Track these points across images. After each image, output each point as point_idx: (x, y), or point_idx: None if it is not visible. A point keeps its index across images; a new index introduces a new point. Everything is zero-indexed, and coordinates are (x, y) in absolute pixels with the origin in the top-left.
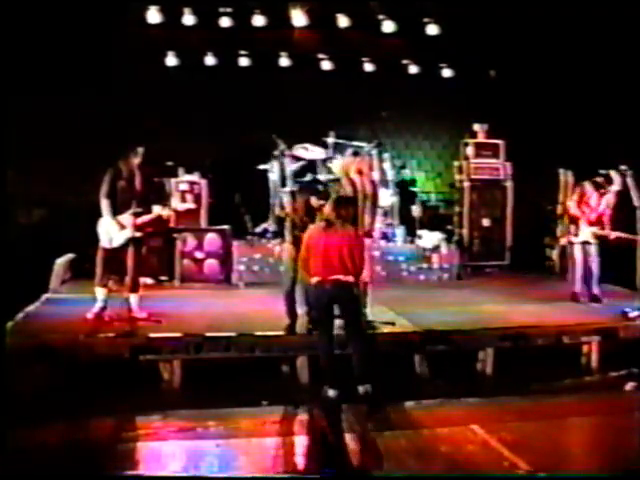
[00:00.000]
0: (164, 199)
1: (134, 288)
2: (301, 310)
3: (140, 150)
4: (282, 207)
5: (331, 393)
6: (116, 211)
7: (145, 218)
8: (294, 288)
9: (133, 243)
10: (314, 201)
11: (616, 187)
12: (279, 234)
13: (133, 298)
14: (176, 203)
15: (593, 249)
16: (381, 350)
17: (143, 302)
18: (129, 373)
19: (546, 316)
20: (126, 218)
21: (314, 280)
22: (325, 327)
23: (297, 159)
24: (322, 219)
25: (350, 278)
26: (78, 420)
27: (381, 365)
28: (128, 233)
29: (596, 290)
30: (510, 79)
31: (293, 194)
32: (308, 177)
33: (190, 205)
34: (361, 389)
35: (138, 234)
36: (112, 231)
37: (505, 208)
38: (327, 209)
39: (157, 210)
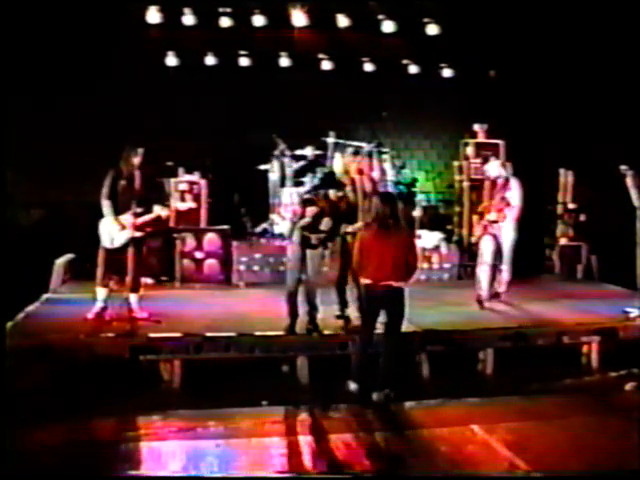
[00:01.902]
0: (164, 199)
1: (135, 288)
2: (302, 310)
3: (140, 150)
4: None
5: (353, 387)
6: (117, 211)
7: (145, 218)
8: (298, 288)
9: (134, 243)
10: (332, 194)
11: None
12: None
13: (133, 298)
14: (177, 202)
15: None
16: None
17: (143, 302)
18: (129, 373)
19: (546, 316)
20: (127, 218)
21: (365, 282)
22: (368, 328)
23: (297, 159)
24: (374, 220)
25: (401, 283)
26: (78, 420)
27: (405, 368)
28: (129, 233)
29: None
30: (510, 79)
31: (311, 192)
32: (319, 171)
33: (191, 204)
34: (375, 396)
35: (138, 234)
36: (113, 231)
37: None
38: (376, 209)
39: (157, 210)
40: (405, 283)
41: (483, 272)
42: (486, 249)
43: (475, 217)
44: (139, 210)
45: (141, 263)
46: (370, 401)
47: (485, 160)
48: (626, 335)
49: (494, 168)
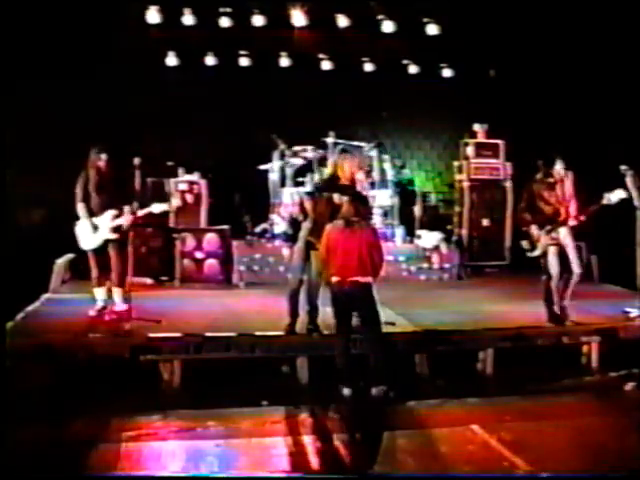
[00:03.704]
0: (135, 197)
1: (119, 283)
2: (303, 311)
3: (104, 156)
4: (302, 209)
5: (346, 392)
6: (92, 213)
7: (121, 220)
8: (300, 289)
9: (112, 243)
10: (337, 198)
11: None
12: (293, 237)
13: (116, 292)
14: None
15: None
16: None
17: (143, 302)
18: (129, 373)
19: (546, 316)
20: (101, 220)
21: (333, 280)
22: (343, 326)
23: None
24: (340, 218)
25: (368, 279)
26: (78, 420)
27: (397, 365)
28: (103, 235)
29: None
30: (510, 79)
31: (313, 194)
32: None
33: (164, 207)
34: (374, 391)
35: (114, 236)
36: (87, 234)
37: (505, 208)
38: (344, 207)
39: (126, 211)
40: (372, 279)
41: (555, 287)
42: (557, 261)
43: (534, 226)
44: (114, 212)
45: (124, 260)
46: (367, 399)
47: (551, 161)
48: (626, 335)
49: (563, 169)
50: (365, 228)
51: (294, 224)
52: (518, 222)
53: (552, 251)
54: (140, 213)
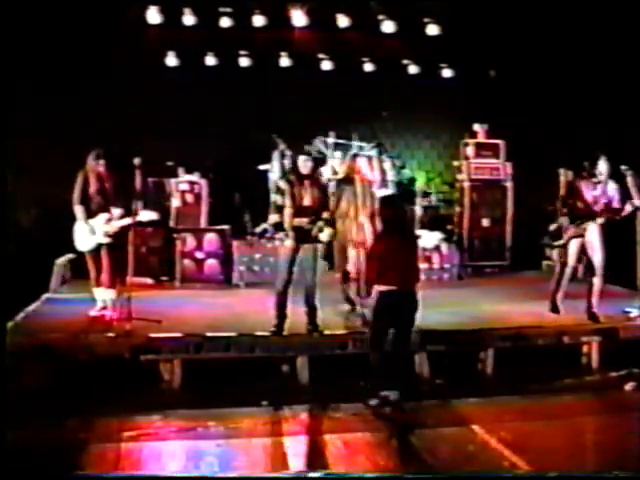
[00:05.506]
0: (136, 198)
1: (110, 285)
2: (302, 310)
3: (101, 153)
4: (280, 191)
5: (393, 396)
6: (89, 215)
7: (110, 226)
8: (288, 288)
9: (104, 246)
10: (302, 163)
11: None
12: (280, 226)
13: (108, 293)
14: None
15: None
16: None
17: (143, 302)
18: (129, 373)
19: (546, 316)
20: (95, 222)
21: (385, 288)
22: (384, 335)
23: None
24: (395, 230)
25: (417, 286)
26: (78, 420)
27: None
28: (97, 238)
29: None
30: (510, 79)
31: (286, 176)
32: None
33: (153, 216)
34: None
35: (106, 240)
36: (83, 235)
37: (505, 208)
38: (383, 215)
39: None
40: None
41: (567, 279)
42: (575, 254)
43: (566, 218)
44: (107, 216)
45: (116, 263)
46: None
47: (595, 160)
48: (626, 335)
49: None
50: (414, 239)
51: (278, 210)
52: (555, 212)
53: (574, 242)
54: (126, 222)
